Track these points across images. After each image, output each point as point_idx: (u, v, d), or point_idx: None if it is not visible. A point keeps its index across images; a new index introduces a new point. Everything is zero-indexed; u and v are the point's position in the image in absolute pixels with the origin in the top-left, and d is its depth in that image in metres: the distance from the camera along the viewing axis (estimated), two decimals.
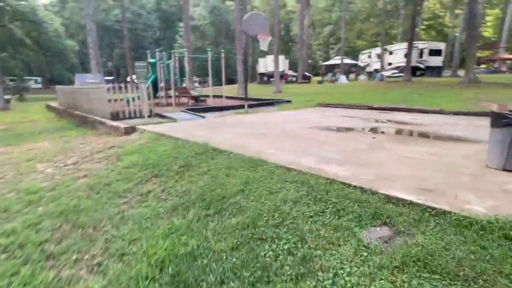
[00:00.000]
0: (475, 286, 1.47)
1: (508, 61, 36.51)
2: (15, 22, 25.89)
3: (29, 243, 2.27)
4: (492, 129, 3.18)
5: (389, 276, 1.57)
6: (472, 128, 5.97)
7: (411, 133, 5.47)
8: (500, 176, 2.89)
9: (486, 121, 7.04)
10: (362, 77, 34.14)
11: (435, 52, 29.57)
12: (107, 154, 4.94)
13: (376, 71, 32.57)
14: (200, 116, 8.44)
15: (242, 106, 10.55)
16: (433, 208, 2.15)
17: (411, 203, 2.27)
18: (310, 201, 2.44)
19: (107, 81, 37.22)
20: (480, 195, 2.40)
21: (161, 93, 12.40)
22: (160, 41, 53.73)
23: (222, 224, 2.26)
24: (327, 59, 50.23)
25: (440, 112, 8.87)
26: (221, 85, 13.43)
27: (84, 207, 2.88)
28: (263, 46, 8.64)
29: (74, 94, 11.23)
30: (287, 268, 1.71)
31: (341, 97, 14.44)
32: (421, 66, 29.49)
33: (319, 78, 33.74)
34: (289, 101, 12.78)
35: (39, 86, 43.47)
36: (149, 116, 8.41)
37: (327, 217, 2.19)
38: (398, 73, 28.55)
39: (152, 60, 12.88)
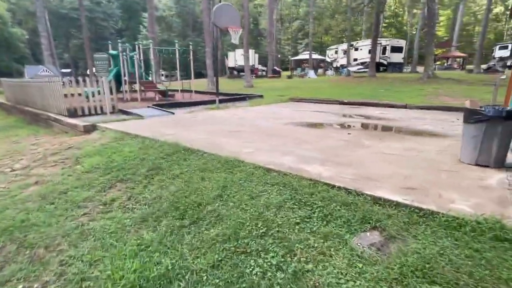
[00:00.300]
0: None
1: (459, 59, 39.50)
2: None
3: None
4: (465, 125, 3.24)
5: None
6: (438, 122, 6.22)
7: (384, 128, 5.55)
8: (474, 171, 2.95)
9: (447, 115, 7.49)
10: (330, 72, 34.98)
11: (396, 49, 31.06)
12: (64, 157, 4.41)
13: (343, 66, 33.55)
14: (169, 112, 7.97)
15: (213, 101, 10.18)
16: (421, 209, 2.09)
17: (398, 204, 2.19)
18: (295, 206, 2.28)
19: (64, 74, 34.49)
20: (462, 192, 2.40)
21: (125, 87, 11.59)
22: (123, 32, 50.70)
23: (199, 237, 2.01)
24: (296, 54, 50.84)
25: (406, 106, 9.24)
26: (189, 79, 12.88)
27: (34, 222, 2.46)
28: (234, 39, 8.33)
29: (24, 88, 10.09)
30: (278, 287, 1.52)
31: (311, 92, 14.58)
32: (384, 62, 30.85)
33: (288, 73, 34.01)
34: (261, 96, 12.62)
35: None
36: (112, 113, 7.77)
37: (315, 224, 2.03)
38: (363, 68, 29.61)
39: (113, 52, 11.97)
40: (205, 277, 1.64)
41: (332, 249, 1.76)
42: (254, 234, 1.95)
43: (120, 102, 10.60)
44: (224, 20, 8.23)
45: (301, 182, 2.66)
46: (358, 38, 38.94)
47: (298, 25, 55.64)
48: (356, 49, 33.01)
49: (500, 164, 3.03)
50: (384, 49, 30.57)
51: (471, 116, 3.10)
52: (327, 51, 40.66)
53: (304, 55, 39.61)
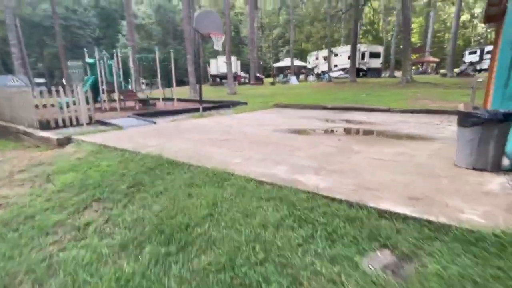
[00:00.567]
0: None
1: (432, 64, 41.25)
2: None
3: None
4: (459, 129, 3.17)
5: None
6: (422, 126, 6.25)
7: (372, 133, 5.49)
8: (473, 176, 2.86)
9: (430, 118, 7.59)
10: (311, 78, 35.48)
11: (375, 55, 32.01)
12: (33, 174, 3.99)
13: (323, 72, 34.14)
14: (151, 121, 7.61)
15: (197, 109, 9.90)
16: (431, 222, 1.94)
17: (405, 217, 2.03)
18: (295, 224, 2.06)
19: (38, 84, 32.92)
20: (467, 200, 2.27)
21: (103, 97, 11.08)
22: (101, 40, 49.36)
23: (189, 266, 1.75)
24: (277, 60, 51.38)
25: (389, 110, 9.34)
26: (171, 87, 12.53)
27: None
28: (217, 45, 8.14)
29: None
30: None
31: (295, 97, 14.58)
32: (363, 67, 31.67)
33: (271, 80, 34.16)
34: (245, 103, 12.45)
35: None
36: (89, 124, 7.32)
37: (319, 244, 1.82)
38: (343, 74, 30.26)
39: (90, 60, 11.45)
40: None
41: (343, 275, 1.55)
42: (252, 260, 1.71)
43: (98, 112, 10.09)
44: (206, 26, 8.03)
45: (298, 195, 2.45)
46: (337, 44, 39.85)
47: (279, 33, 56.42)
48: (336, 55, 33.72)
49: (497, 168, 2.97)
50: (363, 55, 31.42)
51: (466, 119, 3.04)
52: (308, 58, 41.33)
53: (285, 62, 40.06)
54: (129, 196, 2.87)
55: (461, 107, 3.23)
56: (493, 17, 7.80)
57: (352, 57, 23.70)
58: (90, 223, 2.46)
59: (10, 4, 16.49)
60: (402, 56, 27.57)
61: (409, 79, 18.92)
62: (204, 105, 9.96)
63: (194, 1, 29.28)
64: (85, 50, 12.17)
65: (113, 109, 10.94)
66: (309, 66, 39.58)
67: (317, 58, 37.70)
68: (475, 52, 35.76)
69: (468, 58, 35.91)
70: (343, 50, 33.17)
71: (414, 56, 43.89)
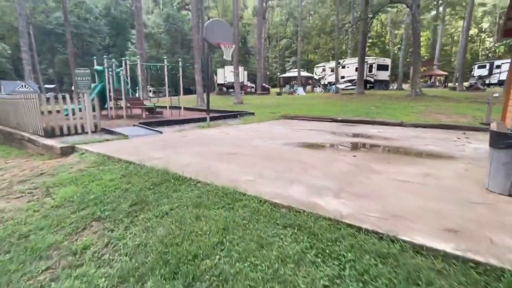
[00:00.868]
0: None
1: (440, 77, 40.96)
2: None
3: None
4: (493, 150, 2.91)
5: None
6: (440, 142, 5.97)
7: (388, 149, 5.22)
8: None
9: (446, 134, 7.29)
10: (318, 89, 35.40)
11: (382, 67, 31.86)
12: (33, 186, 3.80)
13: (331, 83, 34.05)
14: (157, 131, 7.44)
15: (203, 119, 9.74)
16: (477, 263, 1.67)
17: (445, 255, 1.76)
18: (318, 259, 1.81)
19: (48, 90, 33.34)
20: None
21: (110, 104, 11.02)
22: (110, 48, 50.27)
23: None
24: (283, 71, 51.61)
25: (401, 124, 9.07)
26: (178, 95, 12.45)
27: None
28: (227, 55, 8.02)
29: None
30: None
31: (302, 108, 14.39)
32: (371, 79, 31.49)
33: (277, 90, 34.15)
34: (252, 113, 12.27)
35: None
36: (94, 132, 7.18)
37: None
38: (351, 86, 30.10)
39: (99, 68, 11.45)
40: None
41: None
42: None
43: (104, 119, 10.01)
44: (216, 36, 7.94)
45: (319, 222, 2.20)
46: (343, 57, 39.88)
47: (286, 44, 56.88)
48: (343, 67, 33.65)
49: None
50: (371, 67, 31.29)
51: (501, 140, 2.77)
52: (315, 69, 41.36)
53: (292, 73, 40.13)
54: (131, 215, 2.64)
55: (493, 126, 2.97)
56: (510, 31, 7.60)
57: (360, 69, 23.57)
58: (88, 247, 2.23)
59: (22, 11, 16.78)
60: (412, 69, 27.35)
61: (419, 92, 18.64)
62: (211, 114, 9.81)
63: (203, 12, 29.70)
64: (94, 58, 12.23)
65: (119, 117, 10.85)
66: (316, 77, 39.57)
67: (324, 70, 37.70)
68: (484, 66, 35.45)
69: (477, 72, 35.59)
70: (350, 62, 33.13)
71: (422, 69, 43.77)
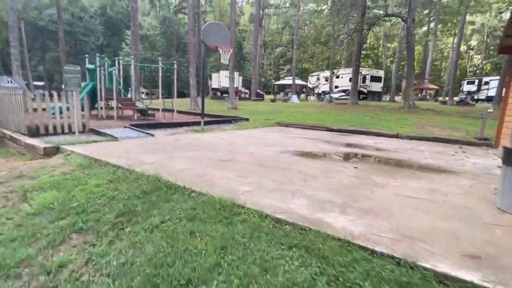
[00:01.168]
0: None
1: (431, 91, 41.86)
2: None
3: None
4: (506, 168, 2.77)
5: None
6: (438, 155, 5.88)
7: (388, 162, 5.07)
8: None
9: (442, 147, 7.24)
10: (312, 98, 35.58)
11: (376, 79, 32.30)
12: (9, 189, 3.47)
13: (324, 93, 34.30)
14: (148, 133, 7.14)
15: (197, 123, 9.48)
16: None
17: (474, 287, 1.57)
18: None
19: (37, 87, 32.46)
20: None
21: (101, 104, 10.66)
22: (104, 48, 49.55)
23: None
24: (278, 78, 51.89)
25: (397, 136, 9.01)
26: (171, 98, 12.17)
27: None
28: (224, 59, 7.83)
29: None
30: None
31: (297, 116, 14.28)
32: (364, 90, 31.84)
33: (271, 97, 34.17)
34: (247, 119, 12.08)
35: None
36: (82, 132, 6.84)
37: None
38: (344, 95, 30.37)
39: (91, 66, 11.10)
40: None
41: None
42: None
43: (94, 119, 9.64)
44: (214, 39, 7.75)
45: (328, 243, 1.99)
46: (337, 67, 40.32)
47: (281, 52, 57.30)
48: (338, 77, 33.96)
49: None
50: (364, 78, 31.67)
51: None
52: (309, 78, 41.69)
53: (287, 80, 40.32)
54: (117, 228, 2.37)
55: (507, 143, 2.83)
56: (508, 48, 7.68)
57: (354, 80, 23.75)
58: (65, 265, 1.95)
59: (14, 6, 16.30)
60: (404, 82, 27.70)
61: (412, 105, 18.85)
62: (205, 119, 9.56)
63: (200, 16, 29.62)
64: (87, 56, 11.87)
65: (110, 117, 10.49)
66: (310, 86, 39.84)
67: (318, 79, 38.01)
68: (473, 82, 36.40)
69: (466, 87, 36.50)
70: (345, 72, 33.48)
71: (414, 83, 44.64)
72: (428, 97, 41.59)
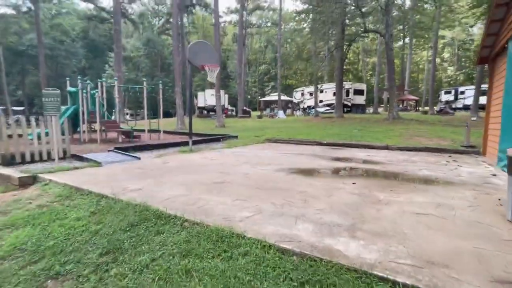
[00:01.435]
0: None
1: (412, 102, 43.32)
2: None
3: None
4: None
5: None
6: (432, 166, 5.84)
7: (385, 175, 4.96)
8: None
9: (434, 157, 7.26)
10: (298, 112, 36.02)
11: (359, 92, 33.15)
12: None
13: (309, 107, 34.82)
14: (134, 157, 6.81)
15: (185, 143, 9.22)
16: None
17: None
18: None
19: (15, 112, 31.38)
20: None
21: (83, 127, 10.25)
22: (87, 70, 49.05)
23: None
24: (263, 95, 52.52)
25: (387, 148, 9.03)
26: (156, 118, 11.89)
27: None
28: (211, 77, 7.71)
29: None
30: None
31: (286, 131, 14.24)
32: (348, 103, 32.53)
33: (258, 113, 34.32)
34: (236, 137, 11.90)
35: None
36: (62, 159, 6.44)
37: None
38: (329, 109, 30.89)
39: (72, 89, 10.76)
40: None
41: None
42: None
43: (76, 143, 9.22)
44: (200, 58, 7.65)
45: (343, 275, 1.76)
46: (320, 82, 41.30)
47: (265, 69, 58.39)
48: (321, 91, 34.63)
49: None
50: (348, 91, 32.44)
51: None
52: (294, 93, 42.37)
53: (272, 96, 40.80)
54: (101, 270, 2.07)
55: (511, 152, 2.75)
56: (485, 58, 7.95)
57: (338, 94, 24.23)
58: None
59: None
60: (385, 94, 28.47)
61: (396, 116, 19.27)
62: (194, 138, 9.31)
63: (184, 37, 29.91)
64: (68, 79, 11.53)
65: (93, 141, 10.07)
66: (295, 101, 40.41)
67: (303, 94, 38.67)
68: (450, 92, 37.98)
69: (444, 97, 38.03)
70: (328, 87, 34.22)
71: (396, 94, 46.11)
72: (408, 107, 42.98)
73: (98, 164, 5.90)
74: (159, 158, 6.96)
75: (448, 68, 64.48)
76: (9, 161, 5.88)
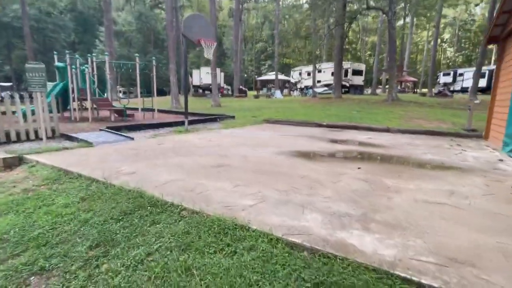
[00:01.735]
0: None
1: (409, 83, 42.93)
2: None
3: None
4: None
5: None
6: (435, 150, 5.69)
7: (389, 159, 4.78)
8: None
9: (436, 140, 7.10)
10: (295, 93, 35.46)
11: (357, 72, 32.52)
12: None
13: (307, 87, 34.24)
14: (127, 137, 6.51)
15: (181, 123, 8.92)
16: None
17: None
18: None
19: (3, 88, 30.30)
20: None
21: (73, 105, 9.82)
22: (77, 45, 47.09)
23: None
24: (259, 74, 51.44)
25: (388, 130, 8.85)
26: (150, 96, 11.44)
27: None
28: (208, 53, 7.28)
29: None
30: None
31: (284, 112, 13.93)
32: (346, 84, 32.00)
33: (254, 93, 33.71)
34: (232, 117, 11.58)
35: None
36: (51, 138, 6.12)
37: None
38: (327, 90, 30.40)
39: (60, 64, 10.19)
40: None
41: None
42: None
43: (66, 122, 8.85)
44: (196, 32, 7.18)
45: (361, 275, 1.59)
46: (318, 61, 40.42)
47: (261, 47, 56.77)
48: (320, 71, 33.92)
49: None
50: (346, 72, 31.79)
51: None
52: (292, 73, 41.49)
53: (269, 76, 39.91)
54: (90, 265, 1.86)
55: None
56: (495, 38, 7.62)
57: (337, 74, 23.69)
58: None
59: None
60: (384, 74, 27.97)
61: (395, 97, 18.99)
62: (189, 118, 8.98)
63: (178, 11, 28.55)
64: (55, 53, 10.90)
65: (84, 120, 9.69)
66: (293, 81, 39.66)
67: (300, 74, 37.87)
68: (449, 74, 37.57)
69: (443, 79, 37.65)
70: (327, 67, 33.49)
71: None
72: (406, 89, 42.62)
73: (89, 144, 5.61)
74: (154, 138, 6.68)
75: (448, 49, 63.58)
76: None
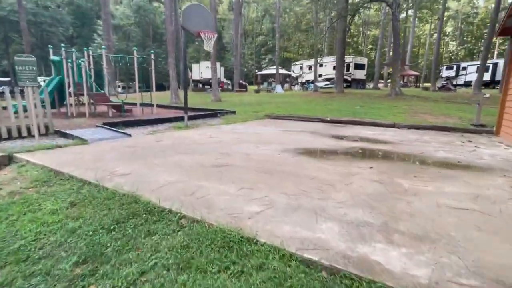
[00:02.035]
0: None
1: (411, 78, 42.45)
2: None
3: None
4: None
5: None
6: (447, 147, 5.42)
7: (402, 158, 4.52)
8: None
9: (445, 136, 6.82)
10: (297, 87, 35.03)
11: (359, 66, 32.06)
12: None
13: (308, 82, 33.80)
14: (125, 133, 6.24)
15: (180, 118, 8.64)
16: None
17: None
18: None
19: (1, 83, 29.94)
20: None
21: (70, 100, 9.53)
22: (75, 39, 46.51)
23: None
24: (259, 68, 50.89)
25: (394, 125, 8.57)
26: (149, 91, 11.14)
27: None
28: (208, 45, 6.96)
29: None
30: None
31: (286, 107, 13.63)
32: (348, 78, 31.58)
33: (255, 87, 33.32)
34: (233, 112, 11.29)
35: None
36: (44, 135, 5.85)
37: None
38: (329, 84, 29.99)
39: (56, 58, 9.87)
40: None
41: None
42: None
43: (62, 118, 8.58)
44: (196, 23, 6.85)
45: None
46: (320, 55, 39.91)
47: (262, 41, 56.09)
48: (321, 65, 33.47)
49: None
50: (348, 66, 31.35)
51: None
52: (292, 67, 40.99)
53: (270, 70, 39.42)
54: (75, 287, 1.61)
55: None
56: (508, 29, 7.29)
57: (339, 68, 23.28)
58: None
59: None
60: (388, 69, 27.53)
61: (398, 92, 18.66)
62: (189, 113, 8.70)
63: (177, 4, 28.02)
64: (51, 47, 10.56)
65: (81, 115, 9.41)
66: (294, 75, 39.19)
67: (301, 68, 37.39)
68: (451, 68, 37.07)
69: (445, 73, 37.16)
70: (328, 61, 33.03)
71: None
72: (408, 83, 42.15)
73: (84, 141, 5.35)
74: (152, 135, 6.41)
75: (450, 43, 62.81)
76: None
